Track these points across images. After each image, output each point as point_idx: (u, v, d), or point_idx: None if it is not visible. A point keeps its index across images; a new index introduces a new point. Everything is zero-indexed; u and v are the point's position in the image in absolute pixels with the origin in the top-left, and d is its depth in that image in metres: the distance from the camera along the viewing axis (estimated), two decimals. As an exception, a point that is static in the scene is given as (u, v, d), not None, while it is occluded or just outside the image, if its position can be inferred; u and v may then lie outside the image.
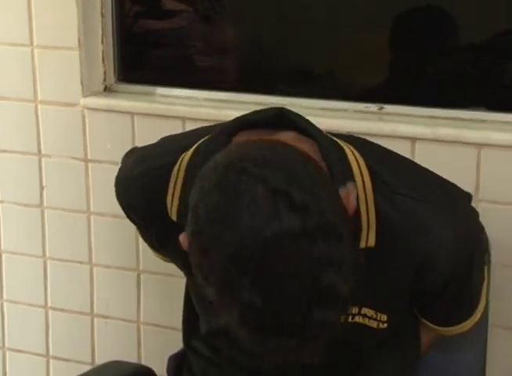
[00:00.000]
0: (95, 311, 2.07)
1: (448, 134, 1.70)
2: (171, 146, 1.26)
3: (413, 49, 1.87)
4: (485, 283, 1.31)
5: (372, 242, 1.14)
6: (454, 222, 1.16)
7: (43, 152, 2.04)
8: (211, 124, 1.83)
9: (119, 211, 2.00)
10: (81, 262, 2.05)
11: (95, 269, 2.05)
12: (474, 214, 1.26)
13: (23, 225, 2.11)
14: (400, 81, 1.89)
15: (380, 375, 1.31)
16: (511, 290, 1.69)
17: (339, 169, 1.11)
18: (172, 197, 1.21)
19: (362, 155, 1.17)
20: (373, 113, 1.81)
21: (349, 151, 1.16)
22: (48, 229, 2.08)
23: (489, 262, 1.58)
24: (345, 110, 1.82)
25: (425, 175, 1.24)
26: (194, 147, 1.20)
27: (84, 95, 1.97)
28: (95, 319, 2.08)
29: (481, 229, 1.30)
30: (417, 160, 1.70)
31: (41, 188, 2.06)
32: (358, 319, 1.21)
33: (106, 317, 2.06)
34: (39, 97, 2.00)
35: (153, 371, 1.51)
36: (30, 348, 2.17)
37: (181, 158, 1.20)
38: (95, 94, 1.99)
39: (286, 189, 0.93)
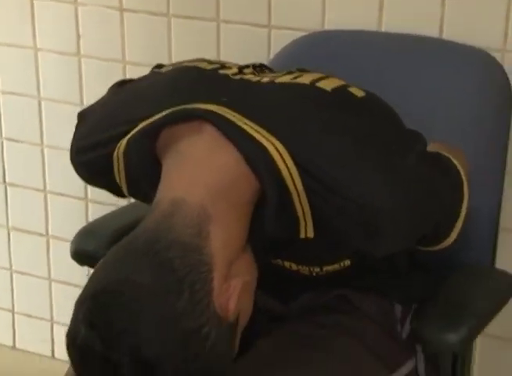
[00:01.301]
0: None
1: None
2: (106, 132, 1.26)
3: None
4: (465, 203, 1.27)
5: (310, 234, 1.16)
6: (396, 212, 1.12)
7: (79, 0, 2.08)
8: None
9: (154, 60, 2.06)
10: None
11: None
12: (420, 167, 1.18)
13: (60, 73, 2.17)
14: None
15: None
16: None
17: (266, 174, 1.11)
18: (119, 180, 1.26)
19: (288, 148, 1.13)
20: None
21: (273, 150, 1.13)
22: (85, 77, 2.14)
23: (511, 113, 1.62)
24: None
25: (364, 151, 1.15)
26: (126, 140, 1.21)
27: None
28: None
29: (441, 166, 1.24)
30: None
31: (78, 37, 2.11)
32: (321, 272, 1.27)
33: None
34: None
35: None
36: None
37: (117, 148, 1.23)
38: None
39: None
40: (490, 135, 1.59)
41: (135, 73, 2.04)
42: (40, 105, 2.22)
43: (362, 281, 1.36)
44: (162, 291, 1.01)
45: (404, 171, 1.16)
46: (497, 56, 1.67)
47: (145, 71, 1.98)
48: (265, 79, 1.28)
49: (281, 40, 1.84)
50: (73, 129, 2.13)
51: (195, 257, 1.04)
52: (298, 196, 1.13)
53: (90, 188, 2.22)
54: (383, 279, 1.38)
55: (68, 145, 2.16)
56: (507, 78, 1.62)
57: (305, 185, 1.12)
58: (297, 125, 1.17)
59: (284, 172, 1.12)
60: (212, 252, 1.06)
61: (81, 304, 1.04)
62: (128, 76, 2.08)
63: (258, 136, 1.13)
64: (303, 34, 1.83)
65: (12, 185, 2.34)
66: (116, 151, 1.23)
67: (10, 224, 2.38)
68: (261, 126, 1.14)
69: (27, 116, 2.25)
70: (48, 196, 2.30)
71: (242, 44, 1.94)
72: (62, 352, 2.39)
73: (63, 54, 2.14)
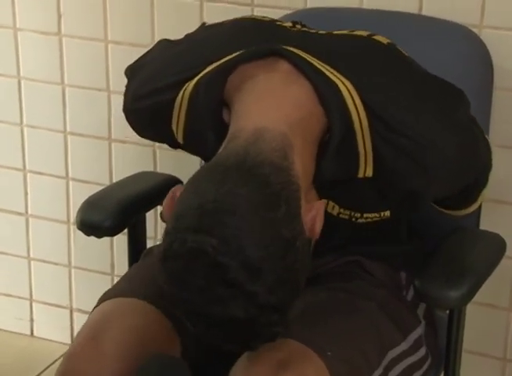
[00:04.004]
0: (113, 136, 2.18)
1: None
2: (171, 77, 1.29)
3: None
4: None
5: (369, 173, 1.22)
6: (451, 156, 1.22)
7: (61, -20, 2.10)
8: None
9: (136, 39, 2.09)
10: (99, 90, 2.14)
11: (112, 96, 2.14)
12: (468, 122, 1.29)
13: (41, 53, 2.18)
14: None
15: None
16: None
17: (335, 111, 1.18)
18: (177, 125, 1.29)
19: (357, 88, 1.20)
20: None
21: (343, 88, 1.20)
22: (66, 57, 2.16)
23: (492, 87, 1.70)
24: None
25: (422, 99, 1.25)
26: (195, 81, 1.25)
27: None
28: (113, 144, 2.20)
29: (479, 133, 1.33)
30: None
31: (59, 16, 2.13)
32: (360, 220, 1.32)
33: (123, 142, 2.17)
34: None
35: (181, 180, 1.59)
36: (51, 171, 2.29)
37: (182, 90, 1.26)
38: None
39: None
40: (473, 107, 1.65)
41: (118, 52, 2.10)
42: (20, 84, 2.23)
43: (371, 248, 1.42)
44: (262, 201, 1.05)
45: (457, 120, 1.25)
46: (475, 31, 1.74)
47: (127, 50, 2.03)
48: (322, 31, 1.34)
49: (264, 18, 1.89)
50: (53, 108, 2.20)
51: (285, 176, 1.09)
52: (362, 134, 1.19)
53: (71, 166, 2.25)
54: (388, 246, 1.45)
55: (47, 124, 2.22)
56: (488, 52, 1.68)
57: (370, 124, 1.19)
58: (365, 69, 1.24)
59: (352, 110, 1.19)
60: (297, 175, 1.11)
61: (181, 217, 1.06)
62: (110, 56, 2.11)
63: (330, 74, 1.20)
64: (286, 12, 1.88)
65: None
66: (181, 93, 1.26)
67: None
68: (332, 66, 1.21)
69: (7, 96, 2.26)
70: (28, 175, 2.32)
71: (225, 22, 1.97)
72: (41, 331, 2.42)
73: (43, 33, 2.16)
